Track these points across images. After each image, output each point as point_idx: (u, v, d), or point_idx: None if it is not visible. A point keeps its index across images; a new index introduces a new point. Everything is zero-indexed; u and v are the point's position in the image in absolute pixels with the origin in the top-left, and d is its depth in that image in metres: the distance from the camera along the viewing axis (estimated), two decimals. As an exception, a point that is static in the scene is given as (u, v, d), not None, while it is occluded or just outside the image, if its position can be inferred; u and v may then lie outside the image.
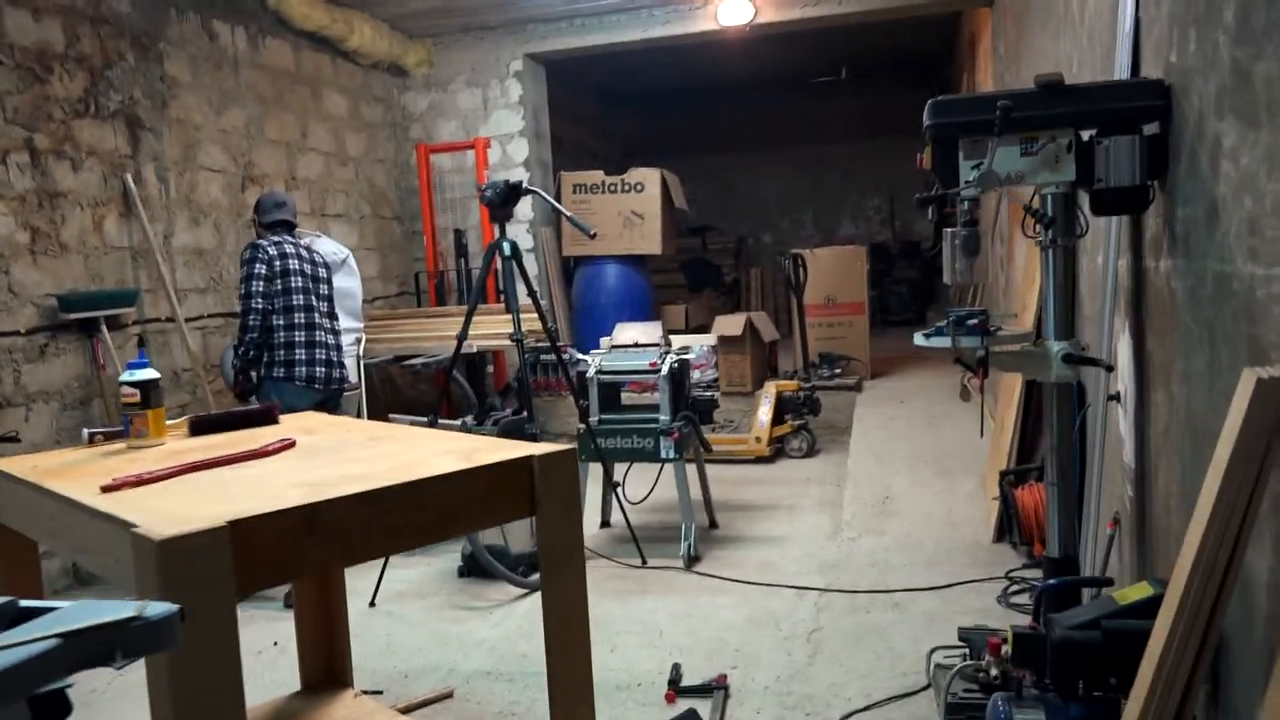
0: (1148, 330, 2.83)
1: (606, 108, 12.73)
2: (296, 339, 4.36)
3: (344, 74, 7.07)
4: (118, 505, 1.66)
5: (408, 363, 6.01)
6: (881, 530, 4.54)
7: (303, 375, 4.35)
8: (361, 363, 5.84)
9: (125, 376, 2.28)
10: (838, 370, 7.23)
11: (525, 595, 4.04)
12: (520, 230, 7.74)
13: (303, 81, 6.56)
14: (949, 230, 2.80)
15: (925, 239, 12.64)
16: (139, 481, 1.83)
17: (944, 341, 2.67)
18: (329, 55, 6.85)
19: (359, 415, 5.78)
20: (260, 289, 4.28)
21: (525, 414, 3.85)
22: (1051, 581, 2.50)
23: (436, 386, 4.76)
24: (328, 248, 5.60)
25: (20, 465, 2.13)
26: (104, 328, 4.72)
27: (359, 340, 5.83)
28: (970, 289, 8.29)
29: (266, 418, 2.52)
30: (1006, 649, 2.48)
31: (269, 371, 4.35)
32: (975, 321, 2.66)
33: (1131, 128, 2.57)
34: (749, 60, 10.17)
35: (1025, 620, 3.48)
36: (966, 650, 2.86)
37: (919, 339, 2.77)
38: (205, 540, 1.45)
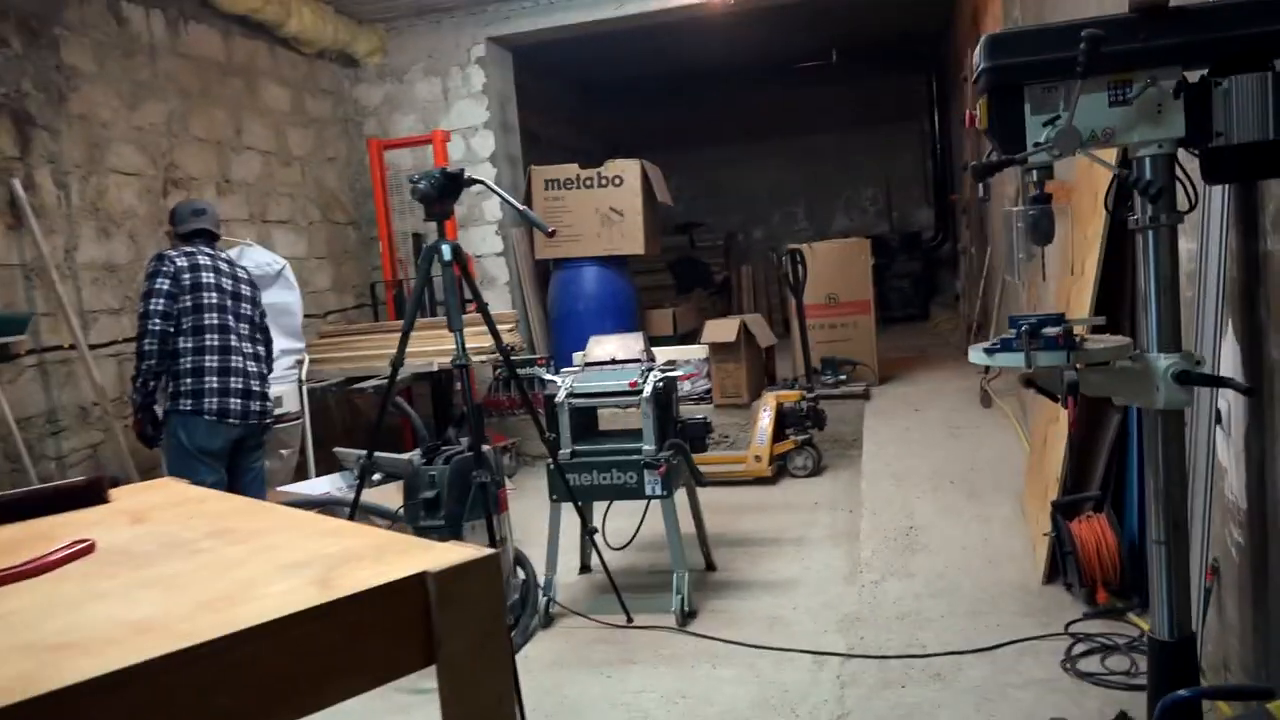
0: (1268, 330, 2.17)
1: (585, 102, 12.04)
2: (207, 364, 3.68)
3: (284, 64, 6.35)
4: None
5: (358, 385, 5.31)
6: (909, 570, 3.85)
7: (213, 408, 3.67)
8: (304, 387, 5.14)
9: None
10: (843, 376, 6.56)
11: (486, 670, 3.34)
12: (488, 232, 7.04)
13: (234, 72, 5.85)
14: (1013, 210, 2.12)
15: (926, 229, 11.98)
16: None
17: (1015, 359, 1.99)
18: (265, 42, 6.14)
19: (302, 448, 5.08)
20: (160, 307, 3.62)
21: (478, 452, 3.15)
22: (1183, 693, 1.81)
23: (397, 409, 4.16)
24: (260, 258, 4.92)
25: None
26: (-14, 360, 4.01)
27: (300, 362, 5.13)
28: (977, 287, 7.63)
29: (91, 496, 1.82)
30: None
31: (174, 403, 3.68)
32: (1055, 332, 1.98)
33: (1261, 62, 1.90)
34: (733, 45, 9.49)
35: (1101, 696, 2.81)
36: (1051, 764, 2.18)
37: (978, 356, 2.08)
38: None
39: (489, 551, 1.27)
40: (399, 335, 3.25)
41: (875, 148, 12.25)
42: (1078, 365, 1.97)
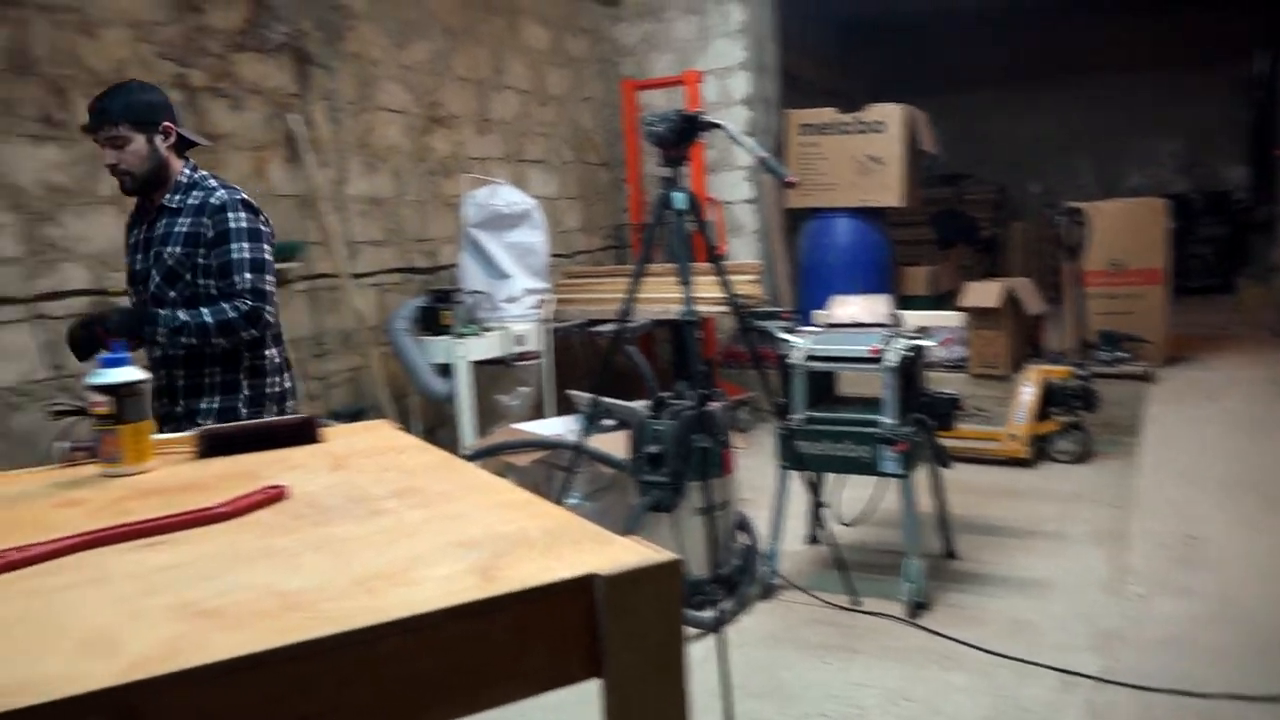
0: None
1: (847, 42, 11.43)
2: (283, 355, 2.83)
3: (545, 2, 6.39)
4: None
5: (597, 329, 5.31)
6: (1185, 586, 3.33)
7: (289, 413, 2.81)
8: (545, 327, 5.19)
9: (93, 378, 1.64)
10: (1122, 354, 5.83)
11: (700, 637, 3.22)
12: (738, 178, 6.83)
13: (496, 11, 5.93)
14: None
15: (1237, 188, 10.49)
16: (-14, 568, 1.15)
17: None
18: (528, -18, 6.19)
19: (539, 387, 5.16)
20: (274, 287, 2.68)
21: (701, 412, 3.00)
22: None
23: (640, 352, 4.16)
24: (510, 197, 4.99)
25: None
26: (262, 284, 4.31)
27: (543, 302, 5.18)
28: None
29: (304, 435, 1.82)
30: None
31: (256, 410, 2.67)
32: None
33: None
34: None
35: None
36: None
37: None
38: None
39: (668, 557, 1.10)
40: (651, 279, 3.12)
41: (1179, 94, 10.81)
42: None
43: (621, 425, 4.56)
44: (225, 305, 2.54)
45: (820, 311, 3.99)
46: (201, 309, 2.54)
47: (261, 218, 2.65)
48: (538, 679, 1.10)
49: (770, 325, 4.08)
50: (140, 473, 1.64)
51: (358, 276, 4.87)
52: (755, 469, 4.77)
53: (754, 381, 6.14)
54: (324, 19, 4.70)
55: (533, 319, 5.05)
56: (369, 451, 1.78)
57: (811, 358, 3.52)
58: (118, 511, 1.40)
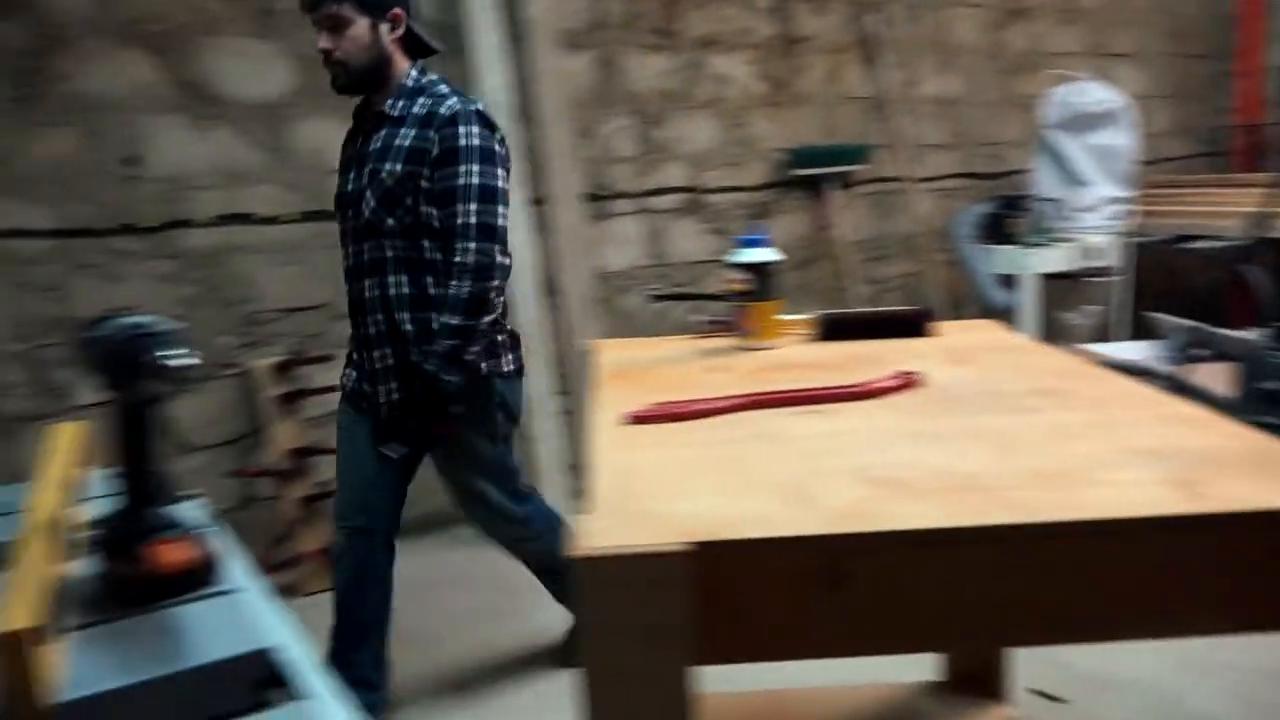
0: None
1: None
2: (506, 297, 2.28)
3: None
4: (607, 456, 1.15)
5: (1185, 245, 4.65)
6: None
7: (523, 362, 2.37)
8: (1125, 241, 4.67)
9: (735, 255, 1.77)
10: None
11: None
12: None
13: (1092, -113, 5.31)
14: None
15: None
16: (666, 415, 1.31)
17: None
18: None
19: (1111, 307, 4.69)
20: (508, 220, 2.16)
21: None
22: None
23: (1242, 278, 3.58)
24: (1096, 95, 4.52)
25: (619, 350, 1.80)
26: (833, 185, 4.41)
27: (1125, 213, 4.65)
28: None
29: (913, 327, 1.82)
30: None
31: (495, 361, 2.24)
32: None
33: None
34: None
35: None
36: None
37: None
38: (646, 569, 0.85)
39: None
40: (1255, 190, 2.64)
41: None
42: None
43: (1221, 357, 3.98)
44: (453, 282, 2.08)
45: None
46: (442, 312, 2.09)
47: (498, 135, 2.15)
48: (1237, 615, 0.96)
49: None
50: (770, 348, 1.76)
51: (920, 181, 4.78)
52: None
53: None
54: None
55: (1111, 231, 4.56)
56: (985, 348, 1.71)
57: None
58: (760, 380, 1.50)
